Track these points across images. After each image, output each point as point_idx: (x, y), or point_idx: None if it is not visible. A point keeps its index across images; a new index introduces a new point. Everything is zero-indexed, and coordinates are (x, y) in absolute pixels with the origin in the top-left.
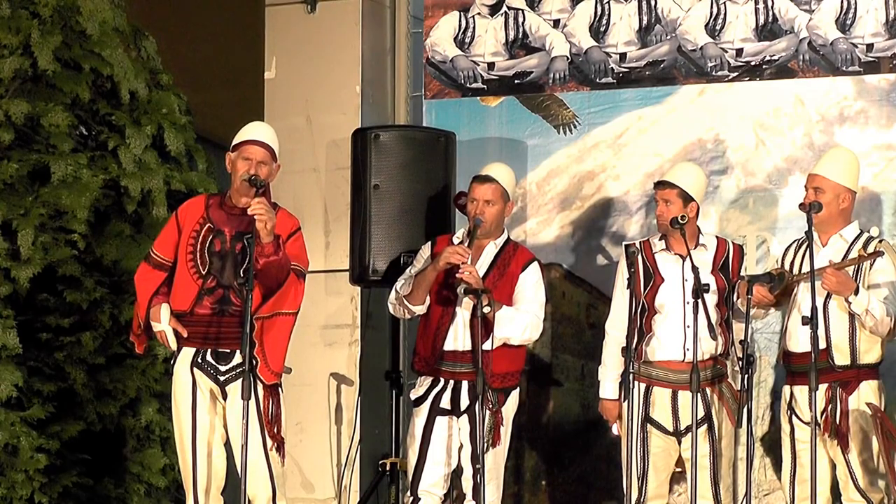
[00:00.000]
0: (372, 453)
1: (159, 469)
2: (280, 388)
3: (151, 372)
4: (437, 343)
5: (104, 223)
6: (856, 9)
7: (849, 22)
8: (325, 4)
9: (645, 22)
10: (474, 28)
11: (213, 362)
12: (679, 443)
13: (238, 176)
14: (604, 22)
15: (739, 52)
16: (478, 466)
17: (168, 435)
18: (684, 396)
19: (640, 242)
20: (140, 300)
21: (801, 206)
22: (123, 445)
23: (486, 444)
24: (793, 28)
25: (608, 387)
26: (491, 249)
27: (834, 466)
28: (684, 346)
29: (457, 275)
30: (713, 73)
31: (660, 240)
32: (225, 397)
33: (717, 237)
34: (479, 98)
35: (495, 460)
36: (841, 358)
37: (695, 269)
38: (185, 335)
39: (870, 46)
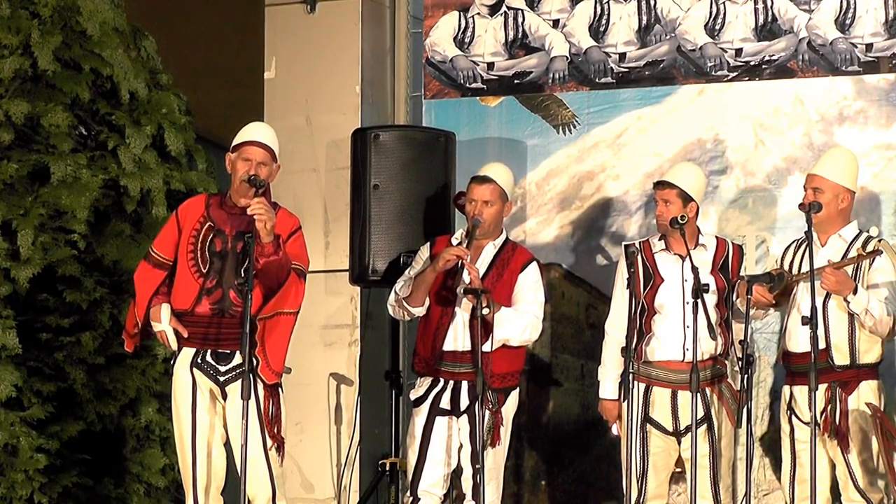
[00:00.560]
0: (372, 453)
1: (159, 469)
2: (280, 388)
3: (151, 372)
4: (437, 343)
5: (104, 223)
6: (855, 9)
7: (848, 22)
8: (324, 4)
9: (644, 22)
10: (474, 28)
11: (213, 363)
12: (679, 443)
13: (238, 176)
14: (603, 22)
15: (739, 51)
16: (477, 466)
17: (168, 435)
18: (684, 396)
19: (639, 242)
20: (139, 299)
21: (801, 206)
22: (123, 445)
23: (485, 444)
24: (792, 28)
25: (608, 387)
26: (490, 250)
27: (834, 466)
28: (684, 346)
29: (461, 272)
30: (713, 73)
31: (659, 240)
32: (225, 397)
33: (716, 237)
34: (478, 98)
35: (495, 460)
36: (840, 358)
37: (694, 269)
38: (186, 335)
39: (869, 46)
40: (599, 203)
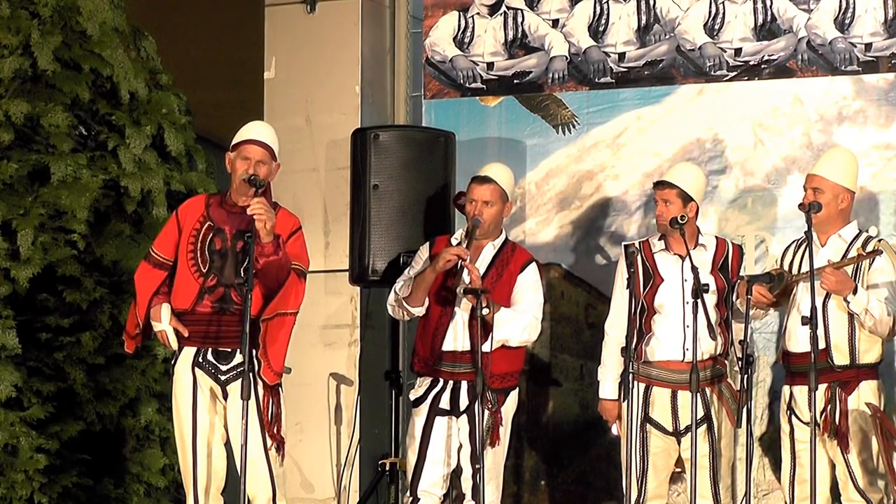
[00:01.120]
0: (371, 453)
1: (159, 469)
2: (280, 388)
3: (151, 372)
4: (436, 343)
5: (104, 223)
6: (854, 8)
7: (847, 21)
8: (324, 4)
9: (644, 22)
10: (473, 28)
11: (214, 362)
12: (678, 443)
13: (237, 176)
14: (602, 22)
15: (738, 51)
16: (477, 466)
17: (168, 435)
18: (684, 396)
19: (639, 242)
20: (140, 299)
21: (801, 206)
22: (123, 445)
23: (484, 444)
24: (791, 28)
25: (608, 387)
26: (489, 250)
27: (833, 466)
28: (684, 346)
29: (461, 272)
30: (712, 73)
31: (659, 240)
32: (226, 397)
33: (716, 237)
34: (478, 98)
35: (495, 460)
36: (840, 358)
37: (694, 269)
38: (186, 335)
39: (868, 46)
40: (599, 203)
